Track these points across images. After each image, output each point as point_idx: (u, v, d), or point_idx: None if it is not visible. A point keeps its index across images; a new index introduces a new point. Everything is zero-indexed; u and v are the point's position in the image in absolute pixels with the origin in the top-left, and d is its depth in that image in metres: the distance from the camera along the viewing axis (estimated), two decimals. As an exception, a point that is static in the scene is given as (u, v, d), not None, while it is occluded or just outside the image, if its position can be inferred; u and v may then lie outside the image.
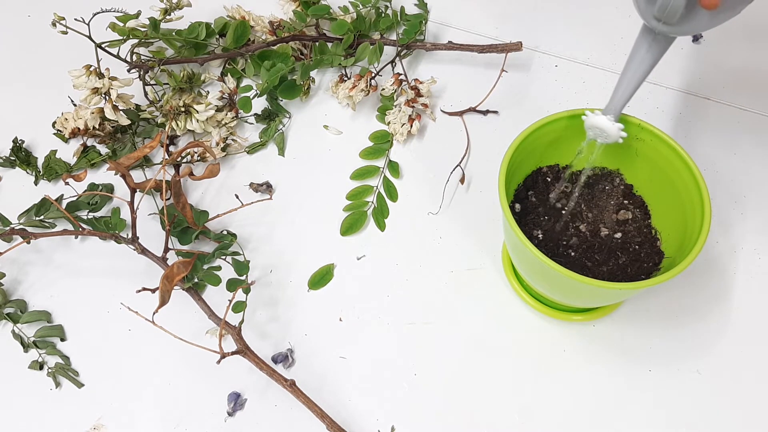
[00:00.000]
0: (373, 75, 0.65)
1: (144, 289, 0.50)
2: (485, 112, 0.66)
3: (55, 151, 0.65)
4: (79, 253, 0.59)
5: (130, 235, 0.55)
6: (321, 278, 0.57)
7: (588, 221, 0.53)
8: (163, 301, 0.48)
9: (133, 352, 0.54)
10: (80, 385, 0.53)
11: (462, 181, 0.62)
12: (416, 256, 0.58)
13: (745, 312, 0.54)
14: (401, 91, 0.65)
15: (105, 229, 0.58)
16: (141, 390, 0.53)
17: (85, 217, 0.60)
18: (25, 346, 0.55)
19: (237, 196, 0.59)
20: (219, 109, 0.64)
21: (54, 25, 0.56)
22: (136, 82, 0.63)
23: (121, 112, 0.61)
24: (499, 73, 0.66)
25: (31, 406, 0.53)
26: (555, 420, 0.50)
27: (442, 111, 0.67)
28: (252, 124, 0.67)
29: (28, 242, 0.57)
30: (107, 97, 0.60)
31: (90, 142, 0.66)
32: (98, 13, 0.57)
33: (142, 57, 0.65)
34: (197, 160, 0.63)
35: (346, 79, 0.67)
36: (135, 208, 0.54)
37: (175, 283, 0.50)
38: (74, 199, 0.61)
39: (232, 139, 0.64)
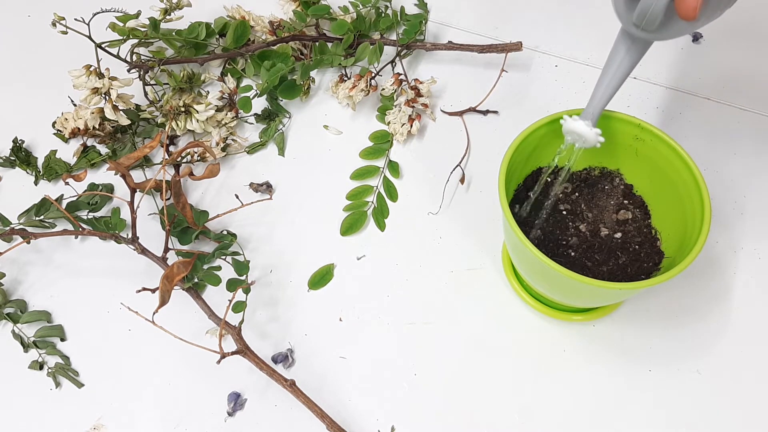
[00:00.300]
0: (373, 75, 0.65)
1: (144, 289, 0.50)
2: (485, 112, 0.66)
3: (55, 151, 0.65)
4: (79, 253, 0.60)
5: (130, 235, 0.55)
6: (321, 278, 0.57)
7: (588, 221, 0.53)
8: (163, 301, 0.48)
9: (133, 352, 0.54)
10: (80, 385, 0.53)
11: (462, 181, 0.62)
12: (416, 256, 0.58)
13: (745, 312, 0.54)
14: (401, 91, 0.65)
15: (105, 229, 0.58)
16: (141, 390, 0.53)
17: (85, 217, 0.60)
18: (25, 346, 0.55)
19: (237, 196, 0.59)
20: (219, 109, 0.64)
21: (54, 25, 0.56)
22: (136, 82, 0.63)
23: (121, 112, 0.61)
24: (499, 73, 0.66)
25: (31, 406, 0.53)
26: (555, 420, 0.50)
27: (442, 111, 0.67)
28: (252, 124, 0.67)
29: (28, 242, 0.57)
30: (107, 97, 0.60)
31: (90, 142, 0.66)
32: (98, 13, 0.57)
33: (142, 57, 0.65)
34: (197, 160, 0.63)
35: (346, 79, 0.67)
36: (135, 208, 0.54)
37: (175, 283, 0.50)
38: (74, 199, 0.61)
39: (232, 139, 0.64)
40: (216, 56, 0.66)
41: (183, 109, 0.62)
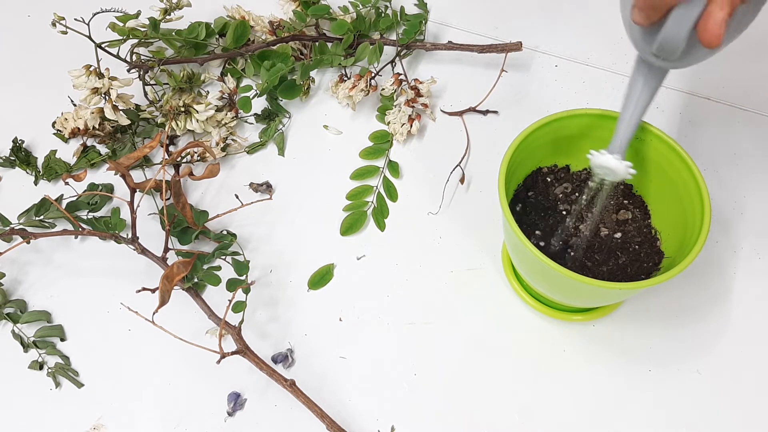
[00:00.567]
0: (373, 75, 0.65)
1: (144, 289, 0.50)
2: (485, 112, 0.66)
3: (55, 151, 0.65)
4: (79, 253, 0.60)
5: (130, 235, 0.55)
6: (321, 278, 0.57)
7: (588, 221, 0.53)
8: (163, 301, 0.48)
9: (133, 352, 0.54)
10: (80, 385, 0.53)
11: (462, 181, 0.62)
12: (416, 256, 0.58)
13: (745, 312, 0.54)
14: (401, 91, 0.65)
15: (105, 229, 0.58)
16: (141, 390, 0.53)
17: (85, 217, 0.60)
18: (25, 346, 0.55)
19: (237, 196, 0.59)
20: (219, 109, 0.64)
21: (54, 25, 0.56)
22: (136, 82, 0.63)
23: (121, 112, 0.61)
24: (499, 73, 0.66)
25: (31, 406, 0.53)
26: (555, 420, 0.50)
27: (442, 111, 0.67)
28: (252, 124, 0.67)
29: (28, 242, 0.57)
30: (107, 97, 0.60)
31: (90, 142, 0.66)
32: (98, 13, 0.57)
33: (142, 57, 0.65)
34: (197, 160, 0.63)
35: (346, 79, 0.67)
36: (135, 208, 0.54)
37: (175, 283, 0.50)
38: (74, 199, 0.61)
39: (232, 139, 0.64)
40: (216, 56, 0.66)
41: (183, 109, 0.62)
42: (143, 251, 0.55)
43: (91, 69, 0.59)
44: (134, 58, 0.63)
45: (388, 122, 0.65)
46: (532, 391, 0.51)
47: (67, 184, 0.58)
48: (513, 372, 0.52)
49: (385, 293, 0.56)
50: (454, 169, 0.62)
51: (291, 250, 0.59)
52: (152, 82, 0.66)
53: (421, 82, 0.65)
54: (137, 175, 0.63)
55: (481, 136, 0.65)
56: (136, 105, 0.64)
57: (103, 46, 0.59)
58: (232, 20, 0.69)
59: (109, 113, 0.60)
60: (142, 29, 0.63)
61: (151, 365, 0.54)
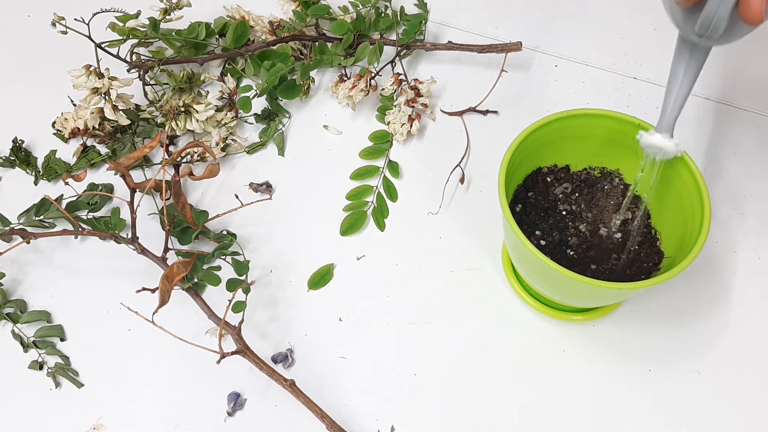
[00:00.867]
0: (372, 75, 0.65)
1: (144, 289, 0.50)
2: (485, 112, 0.66)
3: (55, 151, 0.65)
4: (79, 253, 0.59)
5: (129, 235, 0.55)
6: (321, 278, 0.57)
7: (588, 221, 0.53)
8: (163, 301, 0.48)
9: (133, 352, 0.54)
10: (80, 385, 0.53)
11: (462, 181, 0.62)
12: (416, 256, 0.58)
13: (745, 312, 0.54)
14: (401, 91, 0.65)
15: (105, 229, 0.58)
16: (141, 390, 0.53)
17: (84, 217, 0.60)
18: (25, 346, 0.55)
19: (237, 196, 0.59)
20: (219, 109, 0.64)
21: (54, 25, 0.56)
22: (136, 82, 0.63)
23: (120, 112, 0.61)
24: (499, 73, 0.66)
25: (31, 406, 0.53)
26: (555, 420, 0.50)
27: (442, 111, 0.67)
28: (252, 124, 0.67)
29: (28, 242, 0.57)
30: (107, 97, 0.60)
31: (90, 142, 0.65)
32: (98, 13, 0.57)
33: (142, 57, 0.65)
34: (197, 160, 0.63)
35: (346, 79, 0.67)
36: (135, 208, 0.54)
37: (175, 283, 0.50)
38: (74, 199, 0.61)
39: (232, 139, 0.64)
40: (216, 56, 0.66)
41: (183, 109, 0.62)
42: (143, 251, 0.55)
43: (91, 69, 0.59)
44: (134, 58, 0.63)
45: (388, 122, 0.65)
46: (532, 391, 0.51)
47: (67, 184, 0.57)
48: (513, 372, 0.52)
49: (385, 293, 0.56)
50: (454, 169, 0.62)
51: (291, 250, 0.59)
52: (152, 82, 0.66)
53: (421, 82, 0.65)
54: (137, 175, 0.63)
55: (481, 136, 0.65)
56: (136, 105, 0.64)
57: (103, 46, 0.59)
58: (232, 20, 0.69)
59: (109, 113, 0.60)
60: (142, 29, 0.63)
61: (151, 365, 0.54)
